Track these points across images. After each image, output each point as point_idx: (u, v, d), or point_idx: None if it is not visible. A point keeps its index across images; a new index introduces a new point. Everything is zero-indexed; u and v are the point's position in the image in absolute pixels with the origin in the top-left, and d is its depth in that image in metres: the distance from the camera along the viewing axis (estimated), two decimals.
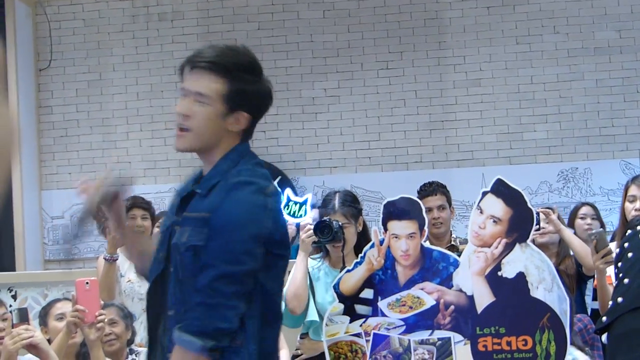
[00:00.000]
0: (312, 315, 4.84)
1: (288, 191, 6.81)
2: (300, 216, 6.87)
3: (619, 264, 3.95)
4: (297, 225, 6.58)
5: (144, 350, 5.84)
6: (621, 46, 10.15)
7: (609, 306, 3.85)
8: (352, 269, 4.39)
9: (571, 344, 4.15)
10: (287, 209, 6.77)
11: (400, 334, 4.22)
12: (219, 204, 2.87)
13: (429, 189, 6.10)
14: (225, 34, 10.19)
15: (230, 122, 2.97)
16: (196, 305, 2.83)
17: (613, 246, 4.91)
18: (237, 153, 2.99)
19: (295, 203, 6.84)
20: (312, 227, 4.79)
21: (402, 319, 4.26)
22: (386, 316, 4.28)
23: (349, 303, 4.37)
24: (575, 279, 6.15)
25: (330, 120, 10.19)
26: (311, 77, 10.15)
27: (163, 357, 2.96)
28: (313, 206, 6.87)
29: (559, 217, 6.13)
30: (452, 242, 6.09)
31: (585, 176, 10.08)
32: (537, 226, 5.50)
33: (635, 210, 5.16)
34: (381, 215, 4.39)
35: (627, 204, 5.27)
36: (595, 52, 10.15)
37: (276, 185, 3.14)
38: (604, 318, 3.82)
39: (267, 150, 9.92)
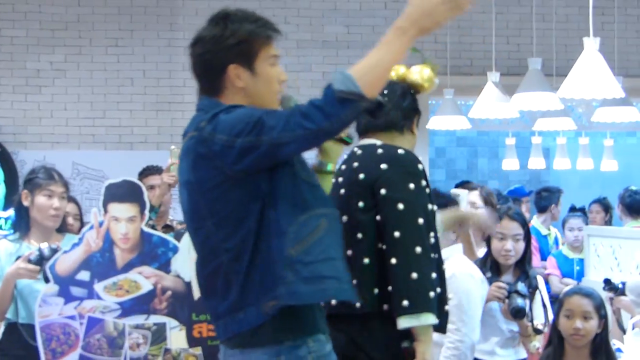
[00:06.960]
0: None
1: None
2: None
3: None
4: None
5: None
6: (349, 41, 10.44)
7: None
8: (70, 250, 4.31)
9: None
10: None
11: (115, 317, 4.19)
12: None
13: (153, 169, 6.20)
14: None
15: None
16: None
17: None
18: None
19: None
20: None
21: (118, 303, 4.23)
22: (102, 299, 4.23)
23: (65, 284, 4.28)
24: None
25: (54, 95, 9.93)
26: (37, 49, 9.85)
27: None
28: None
29: None
30: (169, 222, 6.13)
31: None
32: None
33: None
34: (102, 197, 4.34)
35: None
36: (323, 45, 10.39)
37: None
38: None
39: None
